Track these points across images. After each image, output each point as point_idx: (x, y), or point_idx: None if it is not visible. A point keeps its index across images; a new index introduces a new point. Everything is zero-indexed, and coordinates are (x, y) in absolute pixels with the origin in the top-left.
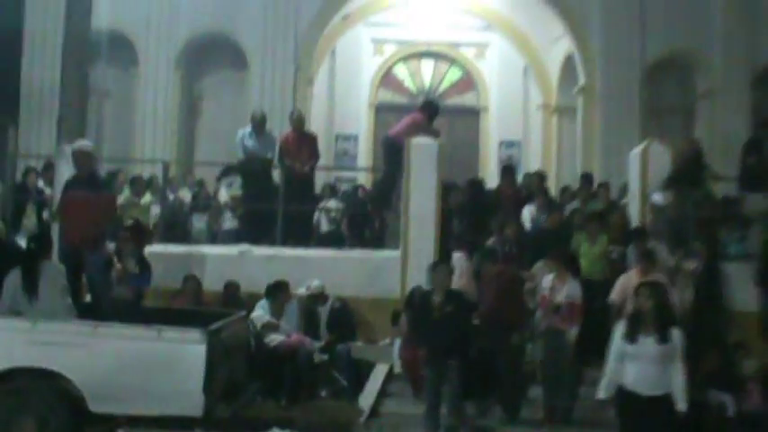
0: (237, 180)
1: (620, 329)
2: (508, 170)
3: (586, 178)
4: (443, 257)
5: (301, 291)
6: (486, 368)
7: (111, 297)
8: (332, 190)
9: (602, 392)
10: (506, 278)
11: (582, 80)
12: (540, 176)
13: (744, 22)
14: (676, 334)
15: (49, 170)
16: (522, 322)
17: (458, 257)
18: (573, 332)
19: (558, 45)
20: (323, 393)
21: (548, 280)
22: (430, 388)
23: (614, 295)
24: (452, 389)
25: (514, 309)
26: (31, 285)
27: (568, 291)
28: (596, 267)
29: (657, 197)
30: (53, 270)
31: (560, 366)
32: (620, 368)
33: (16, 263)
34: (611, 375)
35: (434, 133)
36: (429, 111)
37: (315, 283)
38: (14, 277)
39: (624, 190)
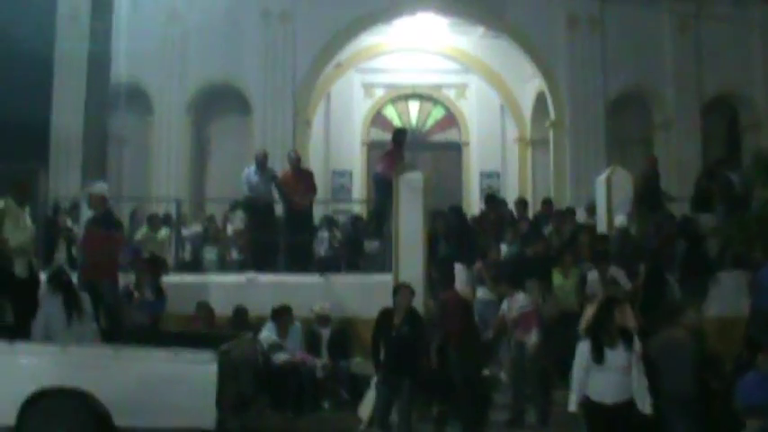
0: (239, 215)
1: (583, 346)
2: (491, 198)
3: (547, 203)
4: (447, 269)
5: (315, 309)
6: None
7: (130, 322)
8: (329, 222)
9: (572, 405)
10: (461, 304)
11: (552, 115)
12: (523, 203)
13: (692, 59)
14: (636, 340)
15: (75, 210)
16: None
17: (459, 269)
18: (533, 339)
19: (530, 84)
20: (325, 405)
21: (505, 304)
22: (380, 403)
23: (584, 324)
24: (403, 406)
25: (471, 334)
26: (74, 310)
27: (519, 303)
28: (570, 299)
29: (620, 218)
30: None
31: (526, 375)
32: (586, 380)
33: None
34: (578, 389)
35: (402, 157)
36: (397, 138)
37: (321, 304)
38: (49, 305)
39: (591, 210)
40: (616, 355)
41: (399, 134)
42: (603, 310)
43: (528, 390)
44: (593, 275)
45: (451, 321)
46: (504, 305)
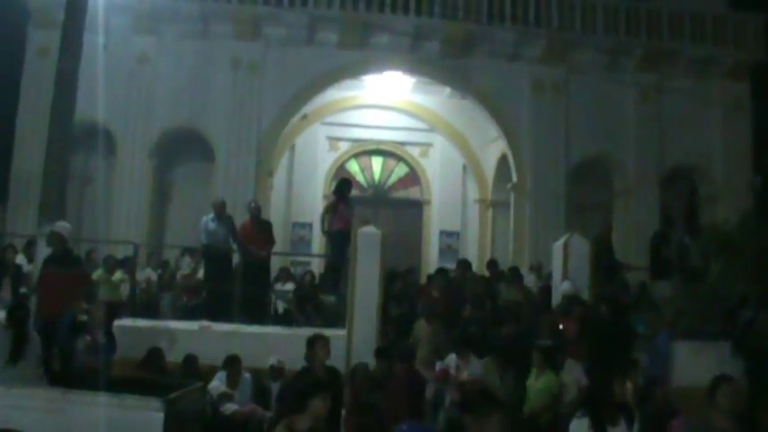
0: (187, 260)
1: (579, 426)
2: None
3: (515, 271)
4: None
5: (271, 361)
6: None
7: (80, 365)
8: (287, 274)
9: None
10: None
11: (514, 178)
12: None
13: (652, 130)
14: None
15: (30, 248)
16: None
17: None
18: None
19: (493, 146)
20: None
21: (452, 359)
22: None
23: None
24: None
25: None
26: (18, 351)
27: (472, 370)
28: (539, 402)
29: (566, 285)
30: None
31: None
32: None
33: None
34: None
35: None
36: (339, 190)
37: (278, 358)
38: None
39: (537, 270)
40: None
41: (339, 186)
42: (599, 380)
43: None
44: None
45: (395, 400)
46: (452, 362)
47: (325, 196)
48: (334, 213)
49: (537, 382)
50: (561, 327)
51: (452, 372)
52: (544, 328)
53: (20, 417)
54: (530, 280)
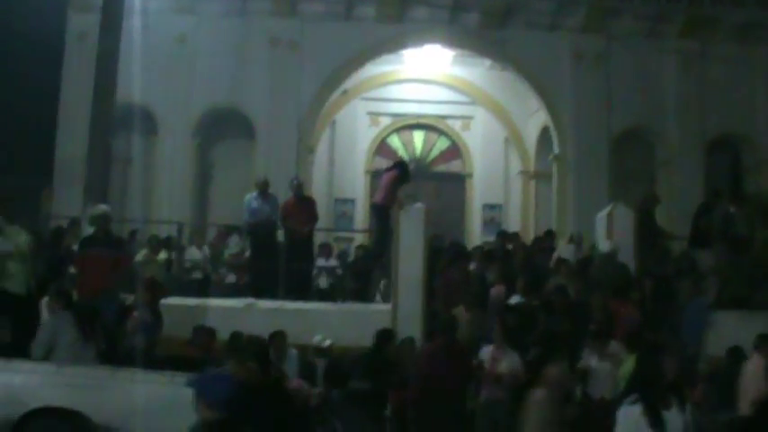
0: (234, 239)
1: (629, 413)
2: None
3: (549, 234)
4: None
5: (316, 339)
6: None
7: (127, 344)
8: (330, 249)
9: None
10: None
11: (556, 149)
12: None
13: (696, 97)
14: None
15: (73, 229)
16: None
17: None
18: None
19: (534, 118)
20: None
21: (487, 351)
22: None
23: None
24: None
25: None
26: (84, 328)
27: (510, 363)
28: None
29: (609, 244)
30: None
31: None
32: None
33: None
34: None
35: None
36: (401, 168)
37: (321, 339)
38: (56, 323)
39: (576, 240)
40: (670, 420)
41: (402, 166)
42: (649, 361)
43: None
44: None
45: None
46: (486, 354)
47: (366, 172)
48: (389, 189)
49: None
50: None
51: (488, 365)
52: (595, 309)
53: (71, 395)
54: (569, 251)
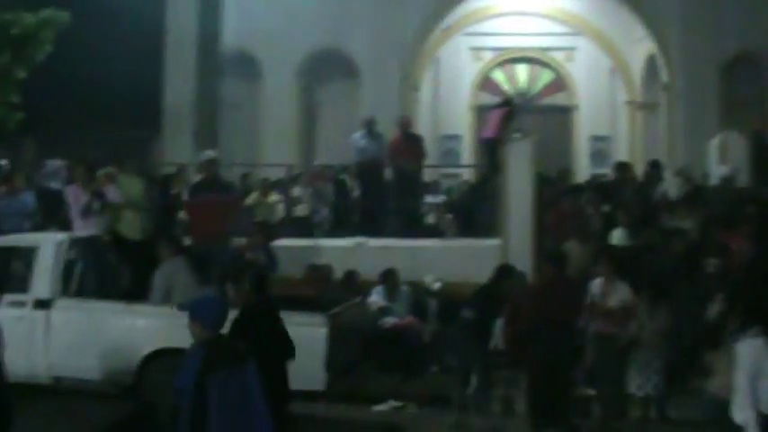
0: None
1: (747, 347)
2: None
3: (654, 165)
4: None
5: (427, 279)
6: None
7: None
8: (436, 186)
9: (737, 415)
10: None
11: (664, 78)
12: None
13: None
14: None
15: (180, 176)
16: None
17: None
18: (624, 336)
19: (640, 46)
20: (433, 370)
21: (596, 285)
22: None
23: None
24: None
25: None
26: (199, 272)
27: (621, 295)
28: None
29: (725, 169)
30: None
31: (612, 372)
32: (757, 390)
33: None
34: (750, 403)
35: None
36: (511, 104)
37: (432, 280)
38: (168, 269)
39: (683, 174)
40: None
41: (511, 103)
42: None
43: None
44: None
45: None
46: (596, 288)
47: (471, 107)
48: (498, 123)
49: None
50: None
51: (597, 299)
52: (710, 246)
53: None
54: (676, 185)
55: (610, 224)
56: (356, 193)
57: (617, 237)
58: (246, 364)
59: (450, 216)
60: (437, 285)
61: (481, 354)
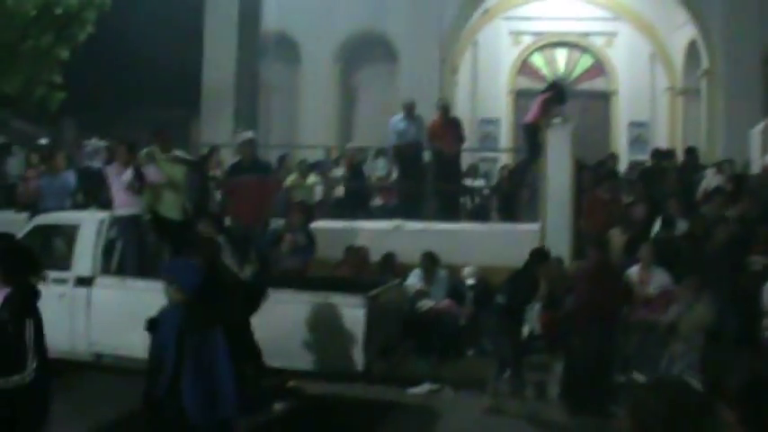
0: (381, 162)
1: None
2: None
3: (691, 152)
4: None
5: (464, 272)
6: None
7: (281, 267)
8: (475, 170)
9: None
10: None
11: (705, 64)
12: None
13: None
14: None
15: (213, 157)
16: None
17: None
18: (663, 322)
19: (681, 32)
20: (469, 353)
21: (634, 273)
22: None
23: None
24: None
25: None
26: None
27: (659, 281)
28: None
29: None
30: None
31: (650, 360)
32: None
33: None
34: None
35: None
36: (556, 89)
37: (472, 279)
38: None
39: (724, 168)
40: None
41: (558, 86)
42: None
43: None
44: None
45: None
46: (634, 275)
47: (509, 91)
48: (541, 108)
49: None
50: None
51: (636, 287)
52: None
53: None
54: (716, 181)
55: (654, 212)
56: (394, 175)
57: (658, 225)
58: (216, 329)
59: (491, 200)
60: (472, 281)
61: (514, 339)
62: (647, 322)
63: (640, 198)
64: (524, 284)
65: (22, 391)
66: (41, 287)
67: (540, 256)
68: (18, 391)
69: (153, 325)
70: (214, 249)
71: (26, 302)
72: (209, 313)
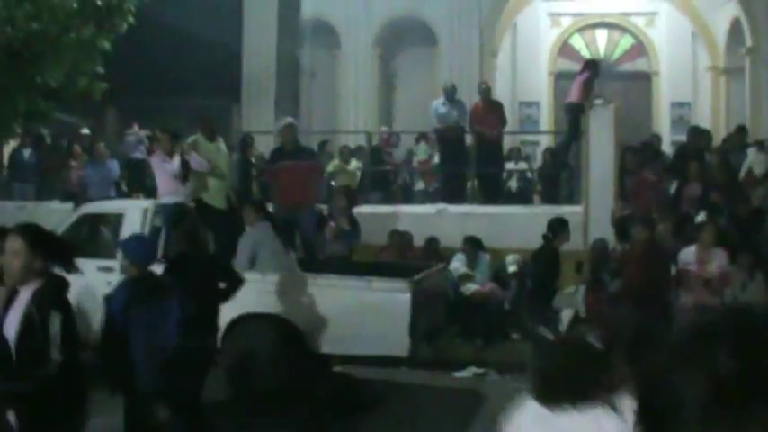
0: (423, 147)
1: None
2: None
3: (741, 130)
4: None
5: (507, 260)
6: None
7: (325, 252)
8: (518, 153)
9: None
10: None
11: (749, 42)
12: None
13: None
14: None
15: (249, 143)
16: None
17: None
18: (721, 304)
19: (724, 9)
20: (513, 337)
21: (689, 253)
22: None
23: None
24: None
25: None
26: (285, 238)
27: (719, 261)
28: None
29: None
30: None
31: None
32: None
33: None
34: None
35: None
36: (593, 68)
37: (513, 267)
38: (253, 235)
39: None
40: None
41: (592, 64)
42: None
43: None
44: None
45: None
46: (690, 256)
47: (550, 73)
48: (582, 88)
49: None
50: None
51: (693, 267)
52: None
53: (275, 301)
54: (753, 160)
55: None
56: (436, 159)
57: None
58: (166, 300)
59: (533, 183)
60: (513, 268)
61: (545, 316)
62: (703, 304)
63: (694, 176)
64: (546, 259)
65: (48, 384)
66: (86, 275)
67: (557, 225)
68: (44, 384)
69: (108, 301)
70: (194, 223)
71: (53, 296)
72: (160, 285)
